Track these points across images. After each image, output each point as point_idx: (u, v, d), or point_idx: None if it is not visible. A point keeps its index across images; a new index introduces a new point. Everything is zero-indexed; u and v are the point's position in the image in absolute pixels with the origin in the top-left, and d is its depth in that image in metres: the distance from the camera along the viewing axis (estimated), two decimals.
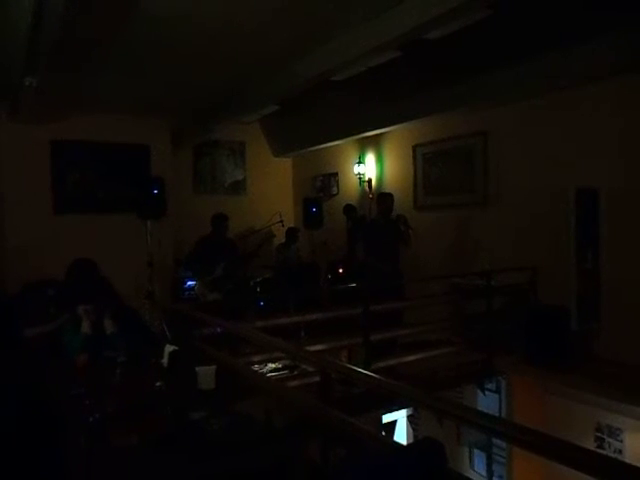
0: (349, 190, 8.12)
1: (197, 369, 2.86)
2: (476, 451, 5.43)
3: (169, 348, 3.05)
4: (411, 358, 4.74)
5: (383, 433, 4.83)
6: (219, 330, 3.95)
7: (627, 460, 4.04)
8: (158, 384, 2.70)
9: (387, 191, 6.25)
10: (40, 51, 3.95)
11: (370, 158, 7.70)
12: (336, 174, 8.44)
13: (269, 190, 8.97)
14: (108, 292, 3.37)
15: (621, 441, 4.23)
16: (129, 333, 3.24)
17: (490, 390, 5.06)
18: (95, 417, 2.22)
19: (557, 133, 5.25)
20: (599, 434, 4.36)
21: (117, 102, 6.38)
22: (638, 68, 4.32)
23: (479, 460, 5.41)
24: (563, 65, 4.53)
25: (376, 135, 7.25)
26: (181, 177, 8.10)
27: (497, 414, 4.91)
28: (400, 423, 5.76)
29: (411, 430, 5.77)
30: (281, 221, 7.81)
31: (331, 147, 7.95)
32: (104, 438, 2.14)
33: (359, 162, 7.73)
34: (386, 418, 5.14)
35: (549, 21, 4.31)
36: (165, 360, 3.01)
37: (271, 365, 4.49)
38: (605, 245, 4.82)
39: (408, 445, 3.73)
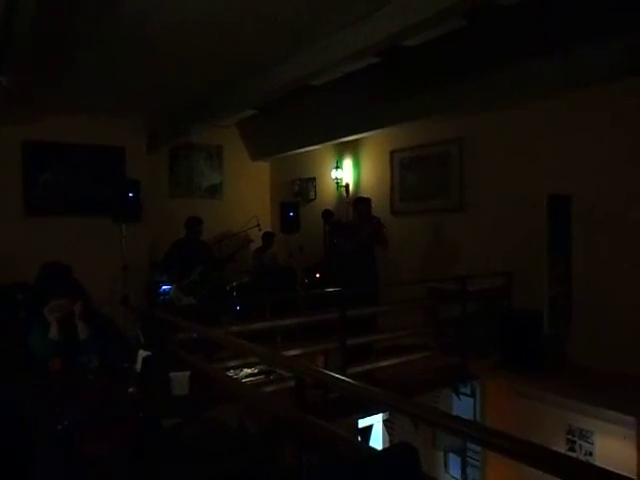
0: (326, 195, 8.14)
1: (171, 375, 2.83)
2: (451, 455, 5.47)
3: (142, 353, 3.01)
4: (387, 363, 4.75)
5: (359, 438, 4.84)
6: (194, 335, 3.91)
7: (597, 462, 4.12)
8: (131, 390, 2.66)
9: (365, 196, 6.28)
10: (11, 49, 3.87)
11: (348, 163, 7.73)
12: (314, 179, 8.45)
13: (246, 194, 8.93)
14: (81, 294, 3.32)
15: (592, 443, 4.30)
16: (102, 338, 3.19)
17: (465, 394, 5.10)
18: (64, 424, 2.17)
19: (532, 140, 5.34)
20: (570, 437, 4.43)
21: (92, 103, 6.29)
22: (615, 77, 4.44)
23: (454, 464, 5.45)
24: (541, 74, 4.61)
25: (354, 140, 7.27)
26: (157, 180, 8.00)
27: (472, 418, 4.95)
28: (376, 428, 5.77)
29: (387, 435, 5.79)
30: (258, 225, 7.78)
31: (309, 152, 7.95)
32: (73, 445, 2.10)
33: (337, 167, 7.75)
34: (362, 423, 5.15)
35: (527, 30, 4.39)
36: (138, 365, 2.97)
37: (247, 370, 4.45)
38: (577, 251, 4.92)
39: (382, 450, 3.74)
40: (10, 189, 6.44)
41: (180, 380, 2.82)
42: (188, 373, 2.85)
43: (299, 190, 8.70)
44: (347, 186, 7.67)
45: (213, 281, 6.37)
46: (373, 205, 5.68)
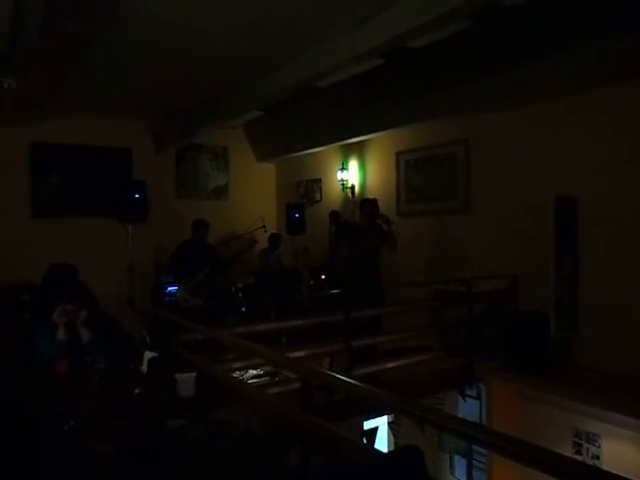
0: (332, 196, 8.13)
1: (177, 376, 2.84)
2: (457, 457, 5.45)
3: (148, 354, 3.02)
4: (392, 365, 4.75)
5: (364, 440, 4.83)
6: (200, 336, 3.91)
7: (604, 465, 4.09)
8: (137, 391, 2.67)
9: (370, 197, 6.27)
10: (19, 51, 3.89)
11: (353, 164, 7.73)
12: (319, 180, 8.45)
13: (252, 195, 8.94)
14: (87, 297, 3.33)
15: (598, 447, 4.27)
16: (107, 340, 3.20)
17: (470, 396, 5.09)
18: (70, 425, 2.18)
19: (538, 141, 5.32)
20: (577, 440, 4.40)
21: (99, 105, 6.31)
22: (617, 79, 4.42)
23: (459, 466, 5.44)
24: (544, 76, 4.60)
25: (359, 142, 7.27)
26: (163, 181, 8.03)
27: (477, 420, 4.93)
28: (381, 430, 5.76)
29: (392, 437, 5.78)
30: (264, 226, 7.79)
31: (314, 153, 7.95)
32: (79, 446, 2.10)
33: (342, 168, 7.74)
34: (367, 425, 5.14)
35: (530, 32, 4.38)
36: (144, 367, 2.98)
37: (252, 372, 4.45)
38: (583, 253, 4.89)
39: (388, 453, 3.73)
40: (18, 191, 6.48)
41: (186, 381, 2.83)
42: (194, 374, 2.86)
43: (305, 191, 8.70)
44: (353, 187, 7.67)
45: (219, 282, 6.39)
46: (380, 207, 5.68)
